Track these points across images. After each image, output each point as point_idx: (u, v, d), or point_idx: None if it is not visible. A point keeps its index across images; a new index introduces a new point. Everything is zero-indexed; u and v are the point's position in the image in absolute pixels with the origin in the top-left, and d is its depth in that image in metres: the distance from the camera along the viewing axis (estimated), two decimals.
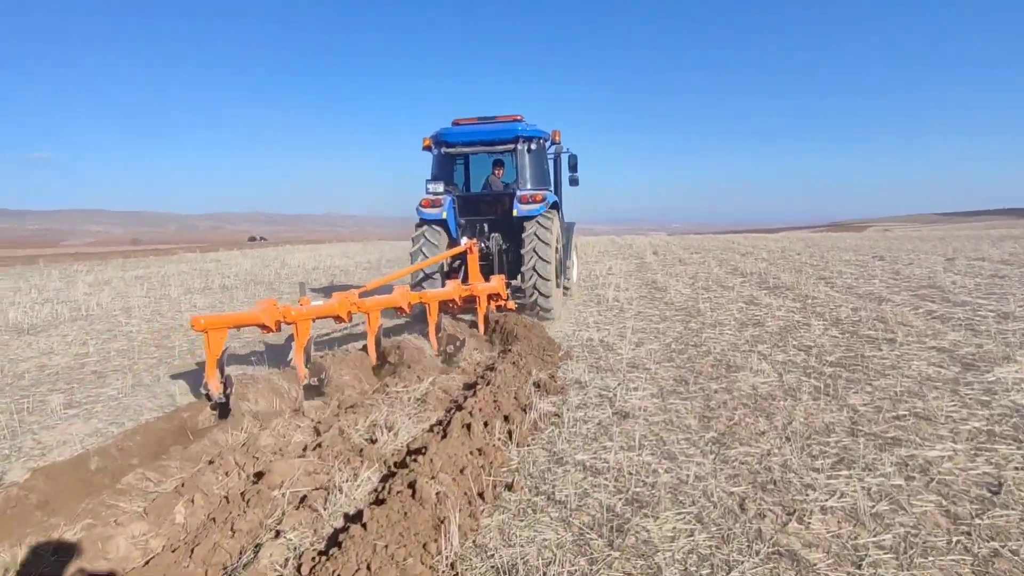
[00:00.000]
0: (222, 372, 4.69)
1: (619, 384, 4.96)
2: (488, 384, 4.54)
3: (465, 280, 7.47)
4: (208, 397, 4.63)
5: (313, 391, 4.90)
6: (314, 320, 5.23)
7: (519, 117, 8.39)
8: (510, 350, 5.69)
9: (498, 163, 8.91)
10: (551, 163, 9.29)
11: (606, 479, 3.16)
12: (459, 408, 4.03)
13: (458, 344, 5.89)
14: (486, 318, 6.78)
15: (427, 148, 8.64)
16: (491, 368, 5.15)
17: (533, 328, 6.51)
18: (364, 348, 5.61)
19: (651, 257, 18.46)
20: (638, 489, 3.04)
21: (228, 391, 4.41)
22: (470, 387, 4.82)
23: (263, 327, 5.00)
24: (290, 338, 5.59)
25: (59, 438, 4.12)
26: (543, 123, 8.60)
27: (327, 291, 11.89)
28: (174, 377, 5.79)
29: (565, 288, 9.27)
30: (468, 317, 7.49)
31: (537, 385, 4.85)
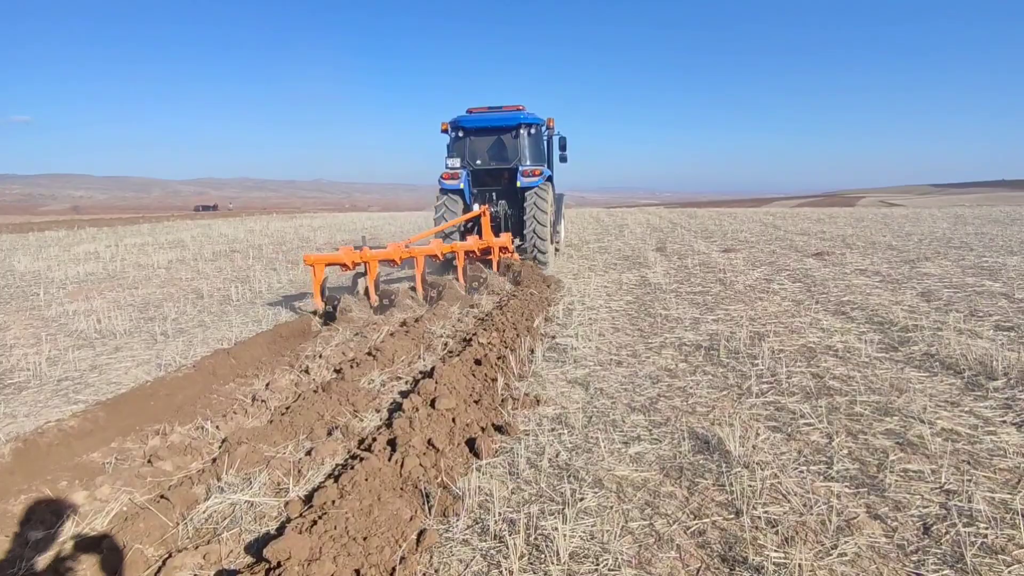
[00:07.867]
0: (323, 293, 6.84)
1: None
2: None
3: (480, 237, 9.58)
4: (315, 312, 6.77)
5: (383, 310, 7.01)
6: (380, 262, 7.34)
7: (522, 107, 10.44)
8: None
9: (503, 143, 10.97)
10: (546, 144, 11.33)
11: None
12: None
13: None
14: (499, 263, 8.90)
15: (445, 131, 10.65)
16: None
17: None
18: (413, 286, 7.70)
19: (659, 264, 10.33)
20: None
21: (336, 303, 6.56)
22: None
23: (343, 265, 7.16)
24: (356, 276, 7.73)
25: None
26: (536, 101, 10.49)
27: None
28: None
29: (556, 248, 11.41)
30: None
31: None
